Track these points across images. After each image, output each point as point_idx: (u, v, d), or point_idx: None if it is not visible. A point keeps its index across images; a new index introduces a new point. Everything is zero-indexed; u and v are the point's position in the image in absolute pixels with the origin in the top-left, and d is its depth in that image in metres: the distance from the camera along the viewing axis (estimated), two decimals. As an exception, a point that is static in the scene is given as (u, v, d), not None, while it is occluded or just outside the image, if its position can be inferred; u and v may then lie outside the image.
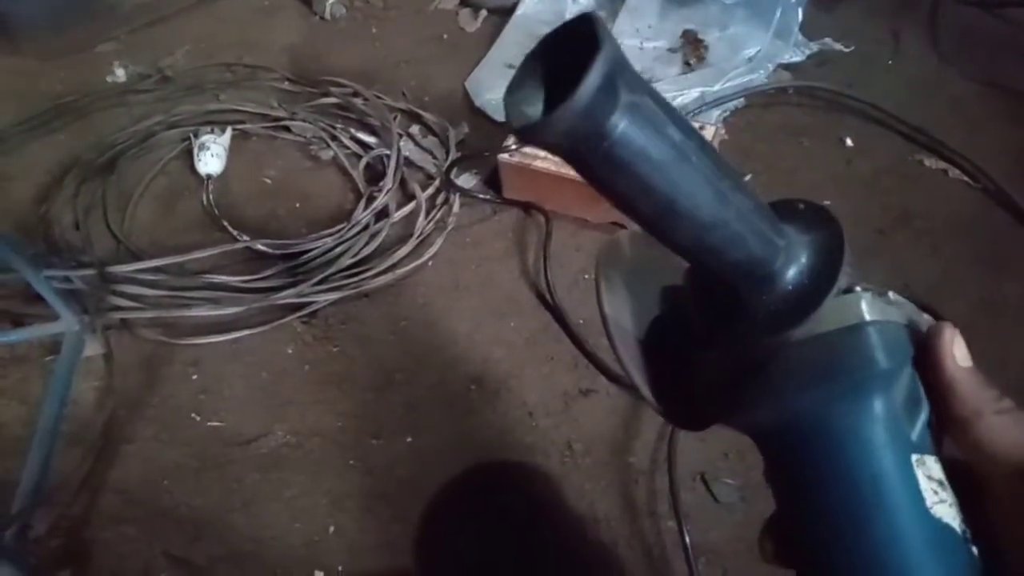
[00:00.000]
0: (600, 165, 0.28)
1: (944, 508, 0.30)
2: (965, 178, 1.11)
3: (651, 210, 0.30)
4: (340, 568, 0.82)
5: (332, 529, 0.84)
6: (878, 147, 1.17)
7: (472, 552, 0.83)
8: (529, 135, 0.26)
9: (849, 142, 1.18)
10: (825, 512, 0.31)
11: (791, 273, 0.32)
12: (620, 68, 0.26)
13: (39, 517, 0.84)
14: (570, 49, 0.26)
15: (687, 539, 0.79)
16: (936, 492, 0.31)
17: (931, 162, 1.14)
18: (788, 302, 0.32)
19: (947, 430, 0.33)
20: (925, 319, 0.34)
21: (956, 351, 0.33)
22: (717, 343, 0.34)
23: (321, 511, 0.85)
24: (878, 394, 0.31)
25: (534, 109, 0.28)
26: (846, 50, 1.32)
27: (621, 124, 0.27)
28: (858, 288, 0.32)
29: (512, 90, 0.28)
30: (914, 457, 0.31)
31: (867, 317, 0.31)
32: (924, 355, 0.33)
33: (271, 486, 0.87)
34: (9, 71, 1.40)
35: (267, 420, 0.93)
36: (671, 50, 1.32)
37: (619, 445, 0.88)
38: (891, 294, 0.33)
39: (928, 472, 0.31)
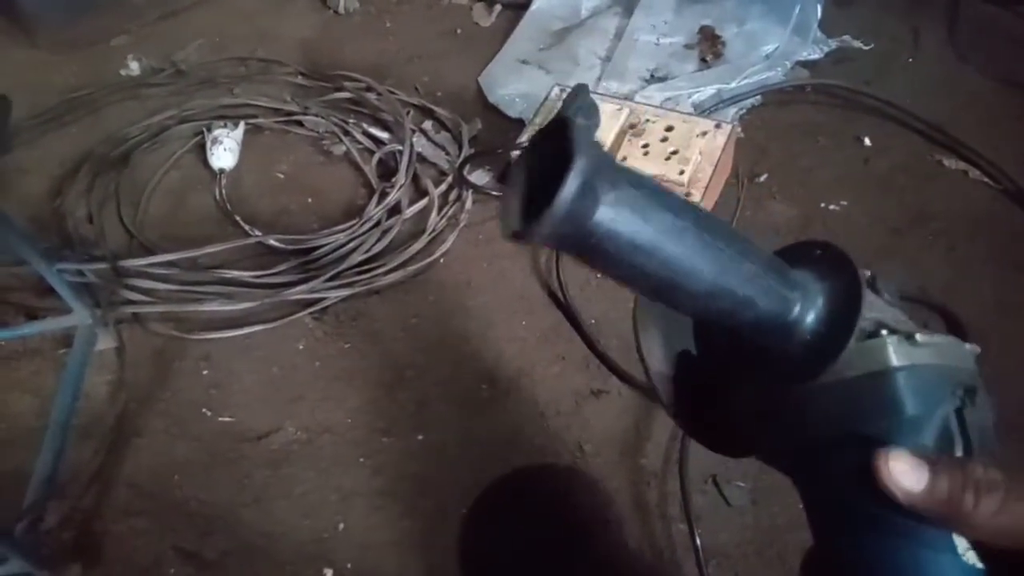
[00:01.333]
0: (592, 256, 0.29)
1: (972, 554, 0.30)
2: (985, 178, 1.09)
3: (651, 287, 0.31)
4: (349, 565, 0.82)
5: (342, 526, 0.84)
6: (896, 146, 1.16)
7: (482, 550, 0.82)
8: (518, 238, 0.28)
9: (867, 141, 1.16)
10: (859, 560, 0.31)
11: (808, 321, 0.32)
12: (597, 171, 0.27)
13: (51, 509, 0.84)
14: (554, 146, 0.27)
15: (698, 541, 0.78)
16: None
17: (950, 162, 1.12)
18: (808, 350, 0.32)
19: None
20: (968, 349, 0.33)
21: (900, 481, 0.30)
22: (743, 385, 0.35)
23: (330, 508, 0.85)
24: (905, 440, 0.31)
25: (516, 216, 0.28)
26: (864, 48, 1.30)
27: (604, 222, 0.28)
28: (884, 332, 0.31)
29: (505, 191, 0.30)
30: None
31: (893, 362, 0.31)
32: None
33: (281, 482, 0.88)
34: (24, 64, 1.40)
35: (277, 416, 0.93)
36: (687, 46, 1.31)
37: (630, 446, 0.88)
38: (920, 336, 0.31)
39: None
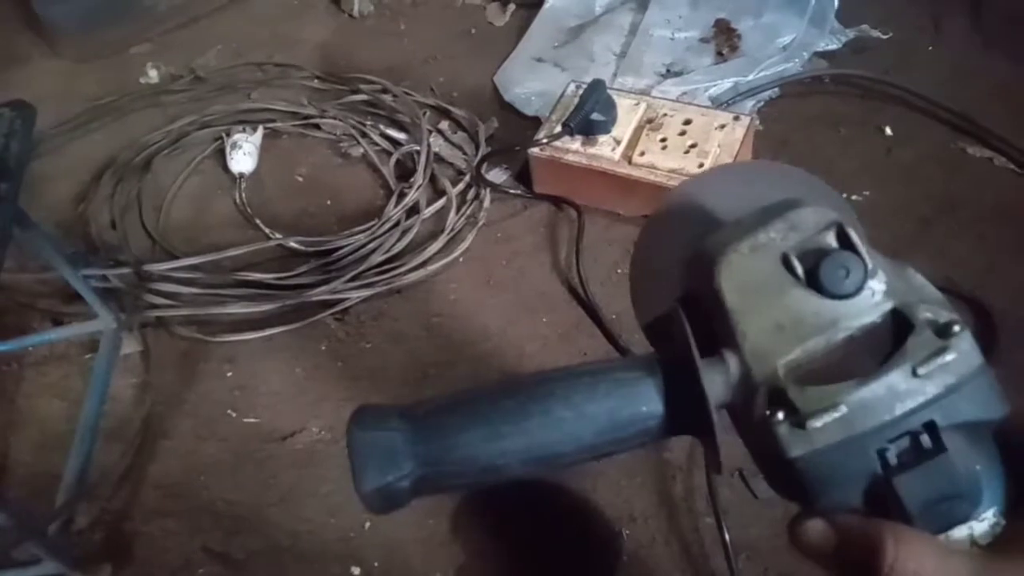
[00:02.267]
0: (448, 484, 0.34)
1: None
2: (1011, 166, 1.07)
3: (520, 473, 0.33)
4: (376, 564, 0.82)
5: (368, 525, 0.84)
6: (919, 135, 1.14)
7: (509, 548, 0.82)
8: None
9: (888, 131, 1.15)
10: None
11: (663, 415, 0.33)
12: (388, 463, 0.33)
13: (81, 511, 0.85)
14: None
15: (726, 536, 0.78)
16: None
17: (975, 150, 1.10)
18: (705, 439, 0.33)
19: None
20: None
21: (811, 549, 0.31)
22: None
23: (357, 507, 0.84)
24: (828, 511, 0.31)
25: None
26: (884, 36, 1.28)
27: (417, 491, 0.33)
28: (778, 416, 0.29)
29: None
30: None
31: (789, 454, 0.29)
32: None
33: (307, 482, 0.88)
34: (48, 74, 1.43)
35: (302, 416, 0.93)
36: (703, 40, 1.30)
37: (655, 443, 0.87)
38: (812, 421, 0.28)
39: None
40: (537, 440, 0.32)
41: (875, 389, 0.28)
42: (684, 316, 0.32)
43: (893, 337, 0.30)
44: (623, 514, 0.83)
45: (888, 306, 0.30)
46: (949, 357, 0.29)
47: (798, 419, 0.28)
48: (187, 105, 1.32)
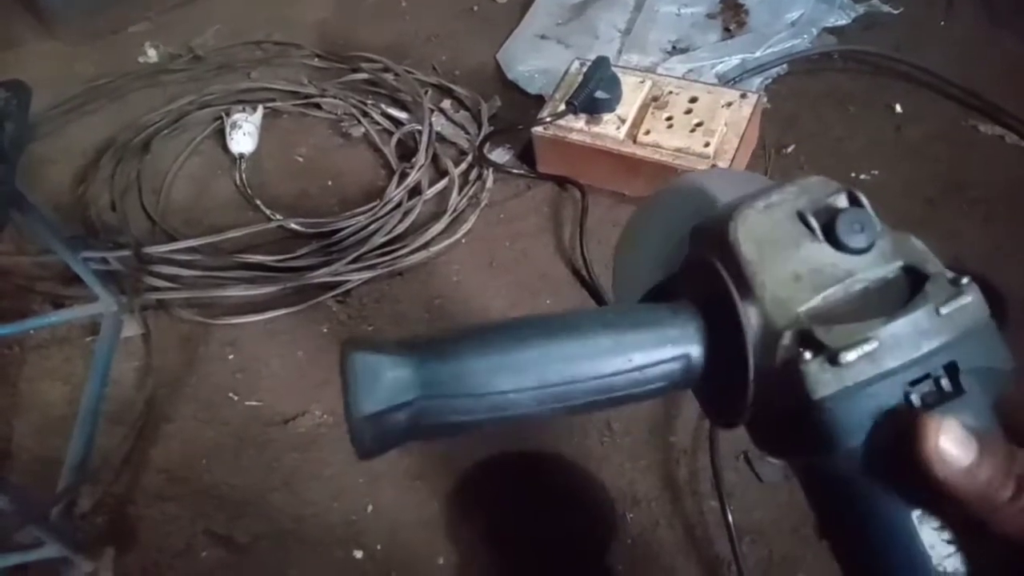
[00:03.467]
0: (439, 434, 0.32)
1: (952, 560, 0.29)
2: (1023, 143, 1.06)
3: (531, 411, 0.31)
4: (379, 547, 0.82)
5: (370, 508, 0.84)
6: (929, 113, 1.12)
7: (512, 531, 0.82)
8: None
9: (898, 108, 1.13)
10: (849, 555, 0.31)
11: (699, 364, 0.32)
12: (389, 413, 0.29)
13: (84, 494, 0.85)
14: None
15: (730, 519, 0.77)
16: (944, 544, 0.29)
17: (986, 128, 1.08)
18: (719, 393, 0.32)
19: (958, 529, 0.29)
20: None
21: (946, 453, 0.27)
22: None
23: (359, 490, 0.85)
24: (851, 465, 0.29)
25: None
26: (894, 12, 1.25)
27: (413, 428, 0.30)
28: (807, 355, 0.28)
29: None
30: (915, 515, 0.29)
31: (814, 395, 0.28)
32: (905, 453, 0.28)
33: (310, 465, 0.88)
34: (44, 55, 1.41)
35: (304, 399, 0.93)
36: (710, 16, 1.27)
37: (659, 424, 0.86)
38: (845, 354, 0.28)
39: (933, 524, 0.29)
40: (555, 372, 0.30)
41: (903, 325, 0.28)
42: (717, 265, 0.31)
43: (909, 290, 0.30)
44: (627, 497, 0.82)
45: (899, 263, 0.31)
46: (966, 299, 0.29)
47: (829, 354, 0.28)
48: (186, 85, 1.30)
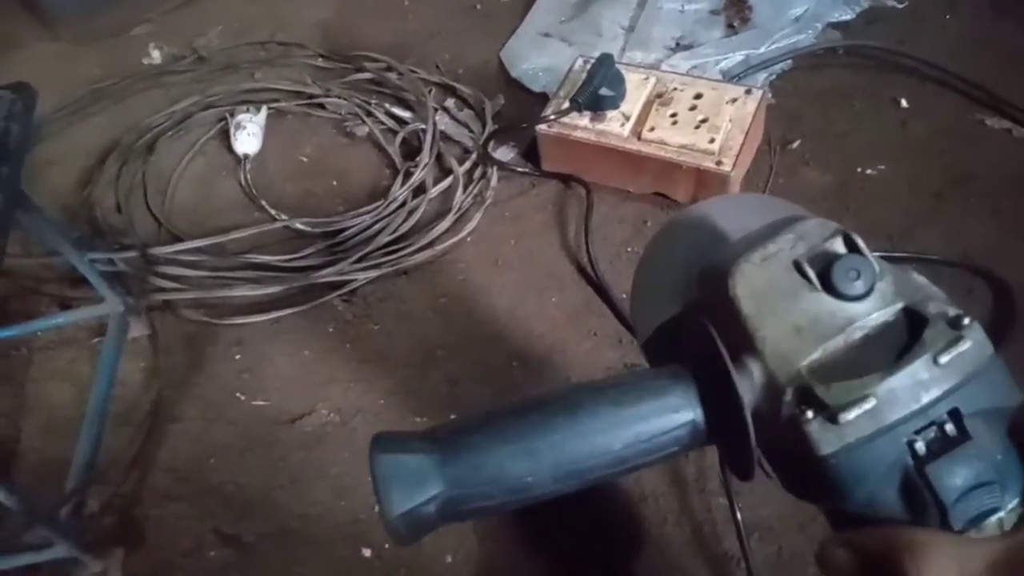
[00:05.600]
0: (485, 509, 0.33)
1: None
2: (1030, 136, 1.05)
3: (551, 490, 0.33)
4: (386, 546, 0.82)
5: (377, 507, 0.84)
6: (935, 107, 1.11)
7: (519, 528, 0.82)
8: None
9: (904, 103, 1.12)
10: None
11: (700, 422, 0.32)
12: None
13: (93, 495, 0.86)
14: None
15: (739, 516, 0.77)
16: None
17: (993, 121, 1.08)
18: (728, 448, 0.33)
19: None
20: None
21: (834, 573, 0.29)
22: None
23: (366, 488, 0.84)
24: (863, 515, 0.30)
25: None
26: (899, 6, 1.25)
27: (443, 516, 0.32)
28: (808, 413, 0.29)
29: None
30: None
31: (820, 452, 0.29)
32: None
33: (316, 464, 0.88)
34: (48, 57, 1.41)
35: (310, 399, 0.93)
36: (713, 12, 1.27)
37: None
38: (844, 415, 0.28)
39: None
40: (567, 453, 0.32)
41: (900, 379, 0.29)
42: (713, 333, 0.32)
43: (908, 333, 0.30)
44: (635, 494, 0.82)
45: (899, 305, 0.31)
46: (965, 346, 0.29)
47: (829, 413, 0.29)
48: (190, 86, 1.30)
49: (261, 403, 0.94)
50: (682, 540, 0.79)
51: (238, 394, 0.95)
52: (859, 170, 1.06)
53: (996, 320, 0.87)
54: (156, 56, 1.38)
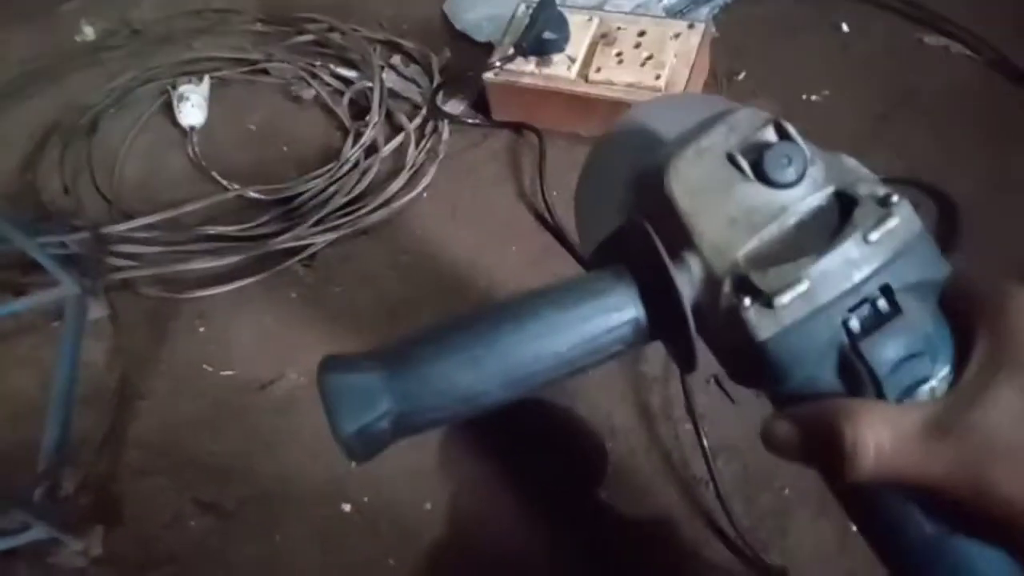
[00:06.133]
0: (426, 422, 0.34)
1: None
2: (968, 52, 1.07)
3: (501, 397, 0.33)
4: (366, 499, 0.83)
5: (354, 464, 0.85)
6: (874, 29, 1.13)
7: (497, 472, 0.84)
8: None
9: (844, 27, 1.13)
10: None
11: (642, 318, 0.33)
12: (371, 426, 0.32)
13: (67, 476, 0.85)
14: None
15: (704, 441, 0.79)
16: None
17: (931, 39, 1.09)
18: (671, 343, 0.34)
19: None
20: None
21: (778, 446, 0.32)
22: None
23: (341, 446, 0.86)
24: (805, 394, 0.32)
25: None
26: (837, -69, 1.25)
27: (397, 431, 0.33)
28: (746, 301, 0.30)
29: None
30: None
31: (758, 337, 0.30)
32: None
33: (289, 428, 0.88)
34: (-25, 41, 1.36)
35: (278, 365, 0.93)
36: (653, -51, 1.26)
37: (630, 355, 0.88)
38: (779, 298, 0.29)
39: None
40: (513, 359, 0.32)
41: (832, 260, 0.29)
42: (649, 230, 0.32)
43: (839, 215, 0.31)
44: (604, 429, 0.84)
45: (830, 189, 0.31)
46: (893, 223, 0.30)
47: (765, 299, 0.29)
48: (127, 60, 1.27)
49: (229, 373, 0.94)
50: (653, 468, 0.81)
51: (205, 366, 0.94)
52: (805, 97, 1.07)
53: (943, 234, 0.90)
54: (89, 32, 1.34)
